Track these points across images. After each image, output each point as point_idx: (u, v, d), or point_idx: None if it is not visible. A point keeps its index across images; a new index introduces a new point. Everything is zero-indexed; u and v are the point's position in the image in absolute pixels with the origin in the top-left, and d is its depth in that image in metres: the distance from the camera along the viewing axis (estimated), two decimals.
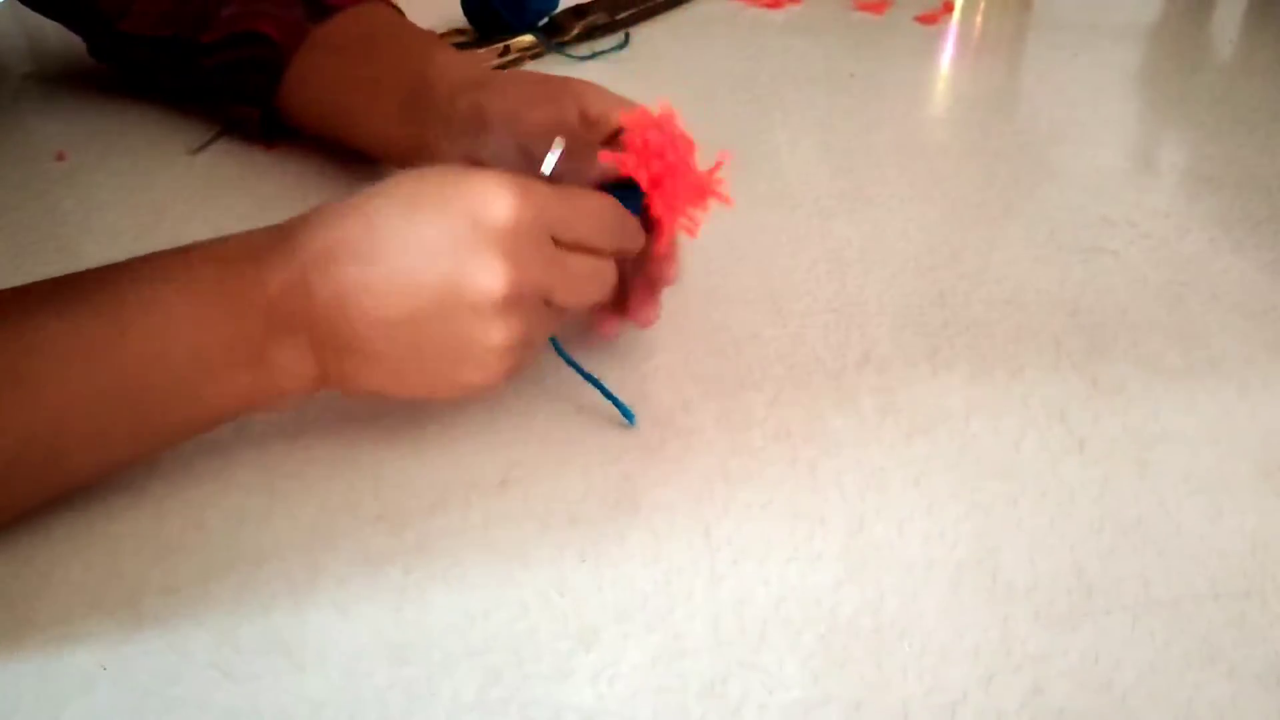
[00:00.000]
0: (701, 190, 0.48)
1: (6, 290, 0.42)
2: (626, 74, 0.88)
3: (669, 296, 0.52)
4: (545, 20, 0.94)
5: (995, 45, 1.01)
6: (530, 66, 0.89)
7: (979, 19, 1.06)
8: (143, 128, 0.75)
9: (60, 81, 0.82)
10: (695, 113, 0.79)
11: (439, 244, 0.41)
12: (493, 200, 0.41)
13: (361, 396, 0.45)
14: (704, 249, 0.62)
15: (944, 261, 0.63)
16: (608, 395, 0.49)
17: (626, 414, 0.49)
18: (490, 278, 0.41)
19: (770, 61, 0.93)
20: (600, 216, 0.45)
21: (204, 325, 0.42)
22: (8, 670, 0.38)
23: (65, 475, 0.42)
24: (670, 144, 0.47)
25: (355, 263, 0.42)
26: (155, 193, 0.67)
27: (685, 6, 1.04)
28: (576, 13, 0.95)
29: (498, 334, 0.42)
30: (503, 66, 0.86)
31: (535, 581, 0.42)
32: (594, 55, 0.91)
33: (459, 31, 0.92)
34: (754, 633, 0.40)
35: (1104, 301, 0.59)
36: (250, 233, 0.44)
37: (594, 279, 0.46)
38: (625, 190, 0.47)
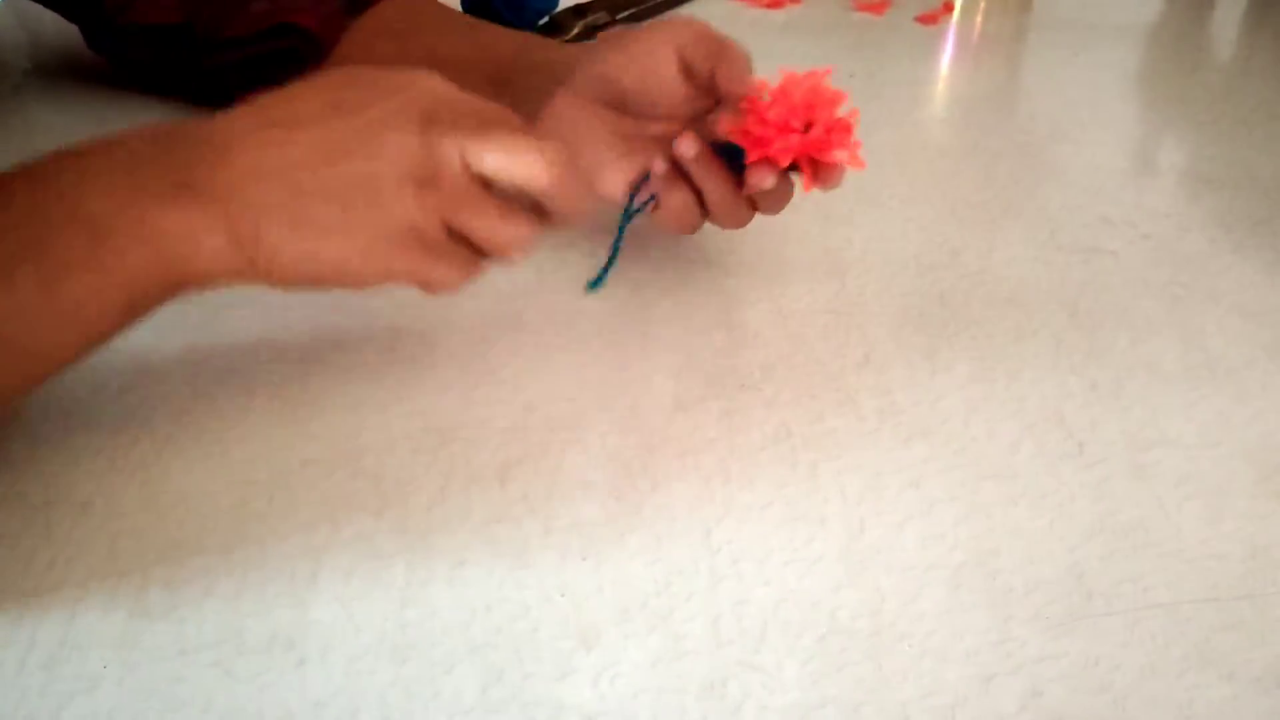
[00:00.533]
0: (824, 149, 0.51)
1: None
2: None
3: (668, 294, 0.52)
4: (545, 19, 0.94)
5: (995, 45, 1.01)
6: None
7: (979, 19, 1.07)
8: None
9: (61, 77, 0.82)
10: None
11: (361, 110, 0.42)
12: (421, 81, 0.44)
13: (291, 285, 0.44)
14: (704, 249, 0.62)
15: (944, 261, 0.63)
16: (611, 259, 0.54)
17: (599, 279, 0.54)
18: (404, 139, 0.42)
19: (770, 61, 0.92)
20: (544, 149, 0.45)
21: (100, 189, 0.41)
22: (9, 669, 0.38)
23: None
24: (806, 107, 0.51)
25: (276, 127, 0.42)
26: None
27: (685, 7, 1.04)
28: (577, 12, 0.95)
29: (411, 202, 0.43)
30: None
31: (536, 581, 0.42)
32: None
33: None
34: (754, 634, 0.40)
35: (1103, 302, 0.60)
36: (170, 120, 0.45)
37: (504, 226, 0.45)
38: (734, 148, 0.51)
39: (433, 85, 0.45)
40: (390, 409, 0.50)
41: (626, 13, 0.97)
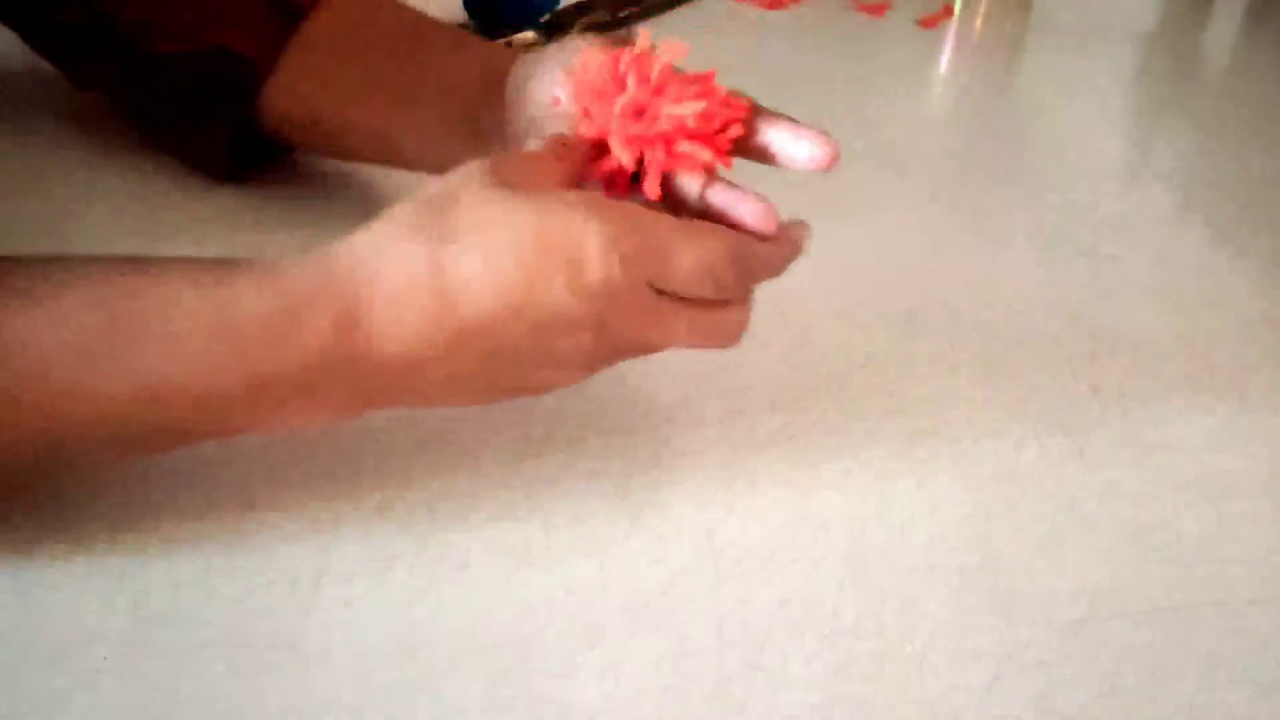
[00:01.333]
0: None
1: (33, 260, 0.40)
2: None
3: None
4: (547, 16, 0.94)
5: (995, 48, 1.02)
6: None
7: (979, 22, 1.07)
8: None
9: (60, 75, 0.82)
10: None
11: (525, 302, 0.38)
12: (592, 260, 0.38)
13: None
14: None
15: (945, 264, 0.63)
16: None
17: None
18: (580, 338, 0.40)
19: (770, 62, 0.93)
20: (710, 262, 0.40)
21: (225, 367, 0.38)
22: (11, 666, 0.38)
23: (55, 459, 0.40)
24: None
25: (430, 331, 0.39)
26: (156, 189, 0.67)
27: (685, 6, 1.04)
28: (578, 10, 0.95)
29: (577, 378, 0.42)
30: None
31: (541, 581, 0.42)
32: None
33: (461, 26, 0.92)
34: (758, 634, 0.40)
35: (1104, 304, 0.60)
36: (291, 265, 0.40)
37: (700, 332, 0.42)
38: None
39: (595, 251, 0.39)
40: (395, 409, 0.49)
41: (627, 11, 0.97)
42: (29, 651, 0.38)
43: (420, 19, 0.63)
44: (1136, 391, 0.53)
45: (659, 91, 0.43)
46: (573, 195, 0.39)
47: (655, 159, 0.43)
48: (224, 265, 0.40)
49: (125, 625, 0.39)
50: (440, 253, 0.38)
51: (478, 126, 0.55)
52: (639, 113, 0.43)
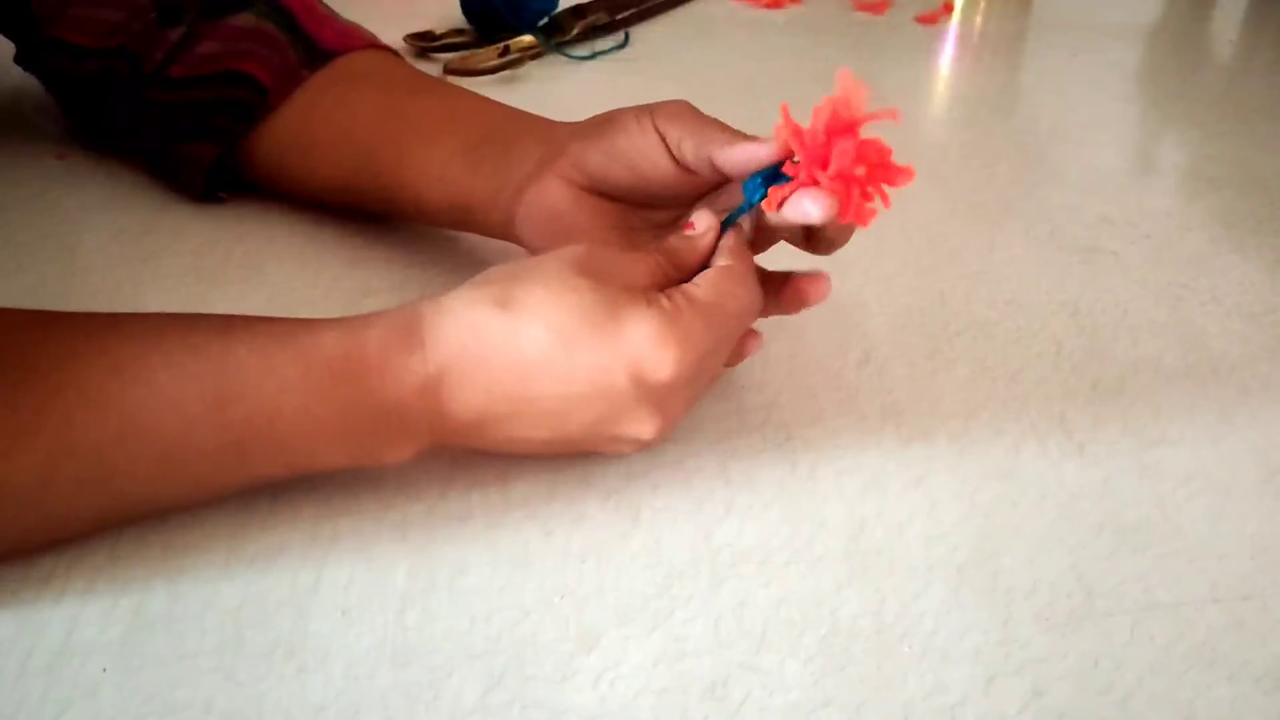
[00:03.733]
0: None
1: (100, 315, 0.42)
2: (626, 74, 0.88)
3: None
4: (545, 20, 0.94)
5: (995, 45, 1.01)
6: (530, 66, 0.89)
7: (979, 19, 1.07)
8: None
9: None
10: None
11: (590, 394, 0.41)
12: (653, 363, 0.41)
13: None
14: None
15: (944, 261, 0.63)
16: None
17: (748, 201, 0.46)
18: (641, 429, 0.43)
19: (770, 61, 0.93)
20: (743, 317, 0.45)
21: (314, 422, 0.41)
22: (11, 674, 0.38)
23: (145, 504, 0.42)
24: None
25: (498, 400, 0.41)
26: (155, 191, 0.67)
27: (685, 6, 1.04)
28: (576, 12, 0.95)
29: (645, 447, 0.44)
30: (502, 67, 0.86)
31: (537, 584, 0.42)
32: (594, 55, 0.91)
33: (458, 31, 0.92)
34: (755, 635, 0.40)
35: (1104, 302, 0.60)
36: (371, 324, 0.42)
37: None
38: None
39: (663, 358, 0.41)
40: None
41: (626, 13, 0.97)
42: (29, 660, 0.38)
43: (435, 79, 0.64)
44: (1136, 388, 0.53)
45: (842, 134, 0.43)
46: (648, 301, 0.42)
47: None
48: (302, 322, 0.42)
49: (124, 634, 0.39)
50: (520, 333, 0.41)
51: (482, 160, 0.56)
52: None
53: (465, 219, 0.57)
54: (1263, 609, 0.42)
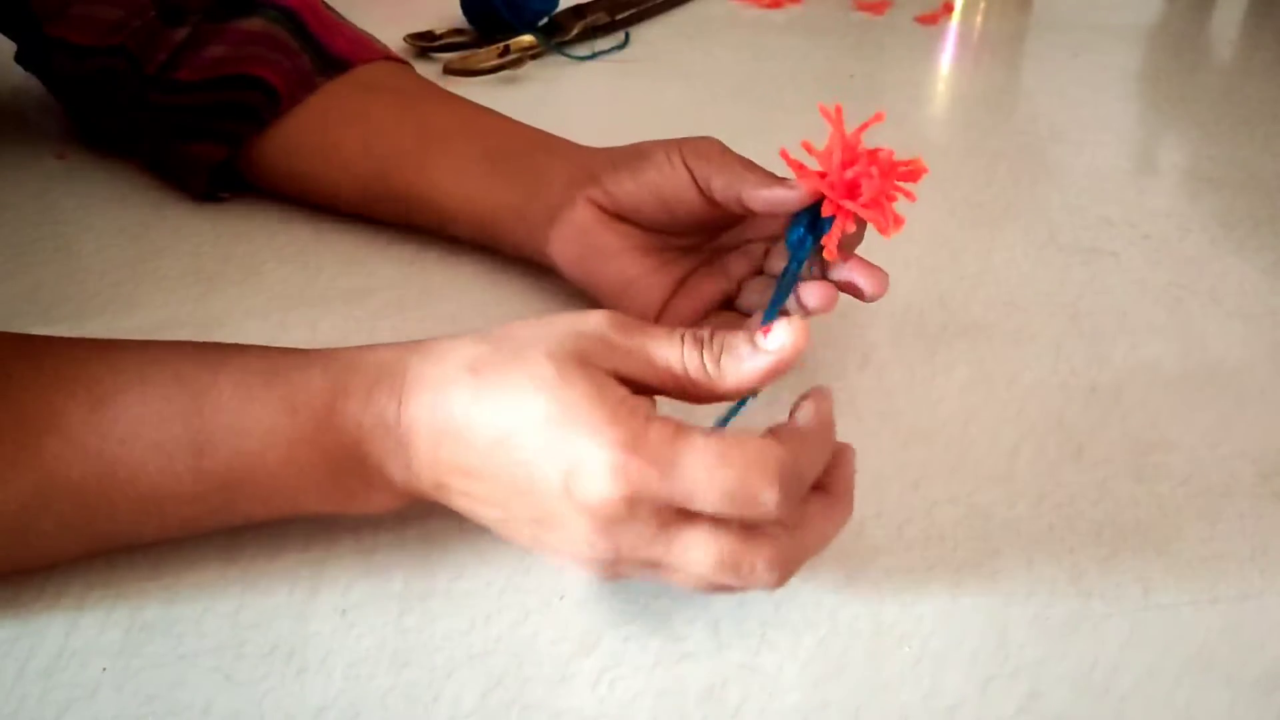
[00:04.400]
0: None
1: (90, 342, 0.41)
2: (626, 74, 0.88)
3: None
4: (545, 20, 0.94)
5: (995, 45, 1.01)
6: (530, 66, 0.89)
7: (979, 19, 1.06)
8: None
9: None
10: (695, 113, 0.80)
11: (535, 496, 0.36)
12: (590, 478, 0.35)
13: None
14: None
15: (943, 263, 0.63)
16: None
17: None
18: (577, 548, 0.37)
19: (770, 61, 0.93)
20: (724, 486, 0.35)
21: (298, 470, 0.39)
22: (11, 677, 0.38)
23: (128, 539, 0.41)
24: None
25: (446, 473, 0.38)
26: (155, 191, 0.67)
27: (685, 6, 1.04)
28: (576, 12, 0.95)
29: (596, 573, 0.38)
30: (502, 67, 0.86)
31: (535, 586, 0.42)
32: (594, 55, 0.91)
33: (458, 31, 0.92)
34: (753, 636, 0.40)
35: (1103, 303, 0.60)
36: (359, 366, 0.40)
37: (706, 562, 0.36)
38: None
39: (600, 476, 0.35)
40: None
41: (626, 13, 0.97)
42: (28, 662, 0.38)
43: (457, 96, 0.64)
44: (1135, 390, 0.53)
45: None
46: (617, 395, 0.36)
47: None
48: (293, 357, 0.41)
49: (123, 636, 0.39)
50: (471, 416, 0.37)
51: (505, 172, 0.56)
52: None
53: (487, 231, 0.57)
54: (1260, 611, 0.42)
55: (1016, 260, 0.63)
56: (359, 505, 0.41)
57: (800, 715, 0.38)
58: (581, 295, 0.55)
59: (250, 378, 0.40)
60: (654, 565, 0.37)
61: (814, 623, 0.41)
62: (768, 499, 0.35)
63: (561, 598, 0.41)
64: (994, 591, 0.42)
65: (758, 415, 0.50)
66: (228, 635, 0.39)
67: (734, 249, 0.54)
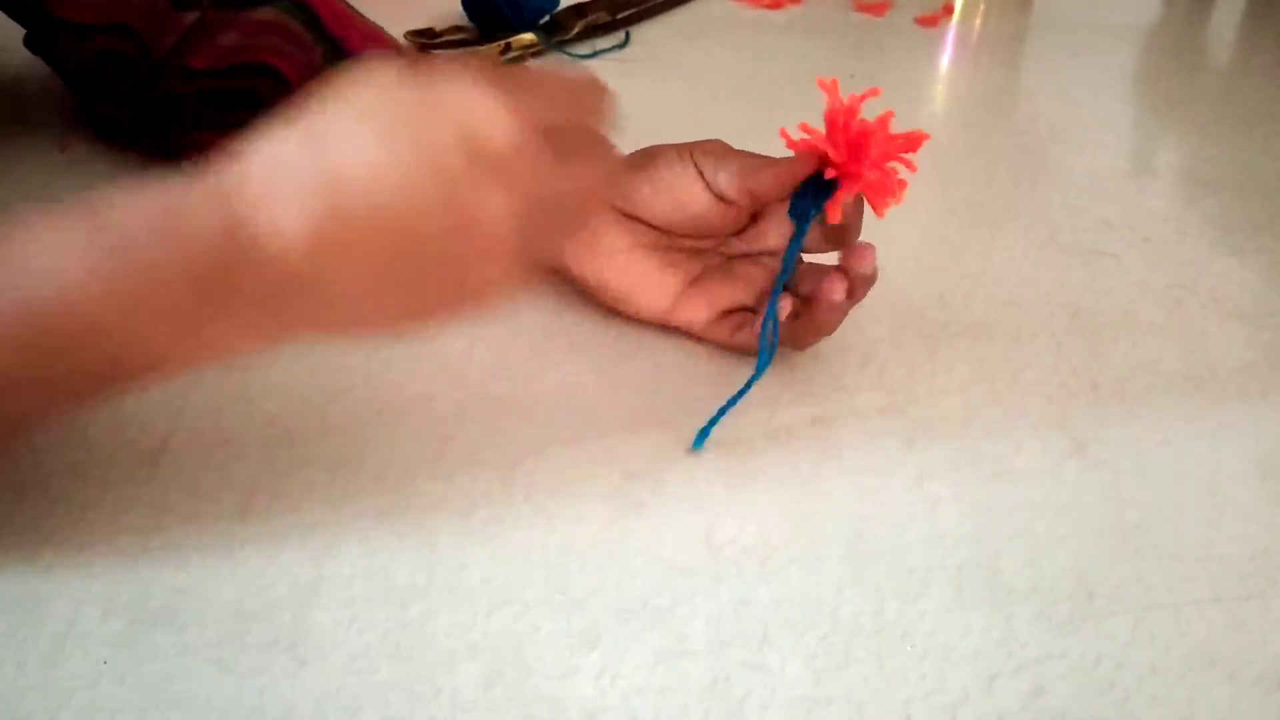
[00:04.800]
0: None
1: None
2: (626, 73, 0.88)
3: None
4: (546, 18, 0.94)
5: (995, 46, 1.01)
6: (531, 64, 0.89)
7: (979, 20, 1.07)
8: None
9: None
10: (695, 113, 0.79)
11: (421, 174, 0.34)
12: (487, 126, 0.35)
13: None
14: None
15: (944, 262, 0.63)
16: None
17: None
18: (489, 206, 0.35)
19: (770, 62, 0.93)
20: (570, 90, 0.39)
21: (121, 296, 0.35)
22: (9, 666, 0.38)
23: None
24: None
25: (319, 218, 0.34)
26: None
27: (685, 6, 1.04)
28: (577, 11, 0.95)
29: (510, 268, 0.37)
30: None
31: (538, 580, 0.42)
32: (594, 54, 0.91)
33: (459, 29, 0.92)
34: (756, 633, 0.40)
35: (1104, 304, 0.60)
36: (160, 186, 0.37)
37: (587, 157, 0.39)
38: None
39: (497, 119, 0.36)
40: (390, 411, 0.50)
41: (627, 13, 0.97)
42: (30, 653, 0.38)
43: None
44: (1136, 390, 0.53)
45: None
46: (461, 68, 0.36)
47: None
48: (100, 193, 0.37)
49: (124, 627, 0.39)
50: (325, 130, 0.35)
51: None
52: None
53: None
54: (1263, 609, 0.42)
55: (1017, 260, 0.63)
56: (223, 340, 0.38)
57: (803, 712, 0.38)
58: (584, 295, 0.56)
59: (57, 208, 0.37)
60: (557, 186, 0.37)
61: (816, 620, 0.41)
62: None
63: (563, 593, 0.41)
64: (996, 589, 0.42)
65: (758, 415, 0.50)
66: (229, 627, 0.39)
67: (748, 257, 0.54)
